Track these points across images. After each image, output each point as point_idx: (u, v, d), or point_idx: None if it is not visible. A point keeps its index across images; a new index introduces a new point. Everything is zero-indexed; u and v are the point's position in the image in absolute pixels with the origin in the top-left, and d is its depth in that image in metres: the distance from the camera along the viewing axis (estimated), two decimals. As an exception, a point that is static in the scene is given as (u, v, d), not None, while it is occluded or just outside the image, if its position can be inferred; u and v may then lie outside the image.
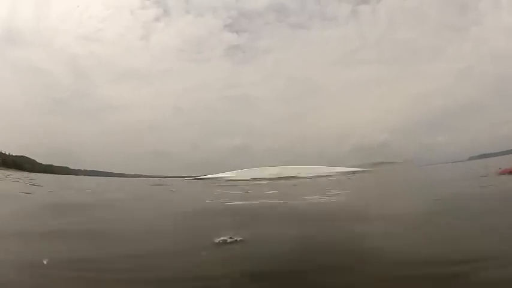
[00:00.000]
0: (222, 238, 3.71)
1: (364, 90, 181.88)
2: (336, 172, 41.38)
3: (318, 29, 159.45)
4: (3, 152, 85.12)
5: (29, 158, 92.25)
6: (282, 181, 27.70)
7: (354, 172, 41.98)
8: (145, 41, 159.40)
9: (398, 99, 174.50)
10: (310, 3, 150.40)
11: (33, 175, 43.58)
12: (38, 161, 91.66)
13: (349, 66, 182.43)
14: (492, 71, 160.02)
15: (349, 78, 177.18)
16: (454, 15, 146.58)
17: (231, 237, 3.71)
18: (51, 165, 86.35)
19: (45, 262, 3.02)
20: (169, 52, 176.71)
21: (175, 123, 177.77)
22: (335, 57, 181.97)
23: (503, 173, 10.60)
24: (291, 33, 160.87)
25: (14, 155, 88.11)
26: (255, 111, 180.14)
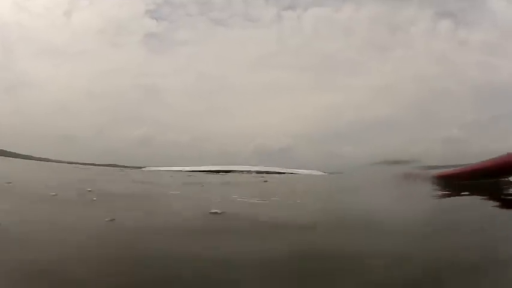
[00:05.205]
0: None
1: (276, 95, 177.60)
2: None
3: (239, 28, 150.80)
4: None
5: None
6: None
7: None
8: (68, 18, 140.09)
9: (309, 108, 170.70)
10: (237, 1, 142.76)
11: None
12: None
13: (264, 69, 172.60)
14: (410, 92, 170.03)
15: (262, 81, 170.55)
16: (383, 34, 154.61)
17: None
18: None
19: None
20: (89, 32, 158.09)
21: (86, 107, 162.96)
22: (252, 59, 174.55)
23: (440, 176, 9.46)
24: (211, 28, 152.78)
25: None
26: (164, 103, 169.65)
